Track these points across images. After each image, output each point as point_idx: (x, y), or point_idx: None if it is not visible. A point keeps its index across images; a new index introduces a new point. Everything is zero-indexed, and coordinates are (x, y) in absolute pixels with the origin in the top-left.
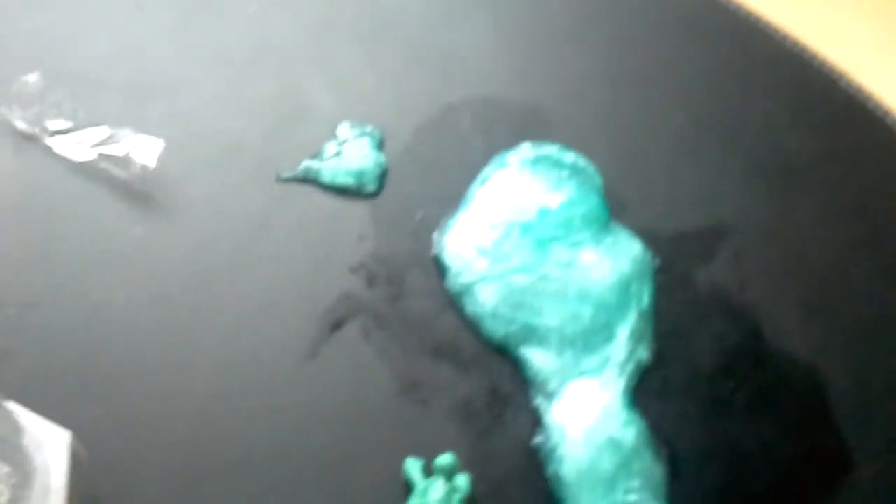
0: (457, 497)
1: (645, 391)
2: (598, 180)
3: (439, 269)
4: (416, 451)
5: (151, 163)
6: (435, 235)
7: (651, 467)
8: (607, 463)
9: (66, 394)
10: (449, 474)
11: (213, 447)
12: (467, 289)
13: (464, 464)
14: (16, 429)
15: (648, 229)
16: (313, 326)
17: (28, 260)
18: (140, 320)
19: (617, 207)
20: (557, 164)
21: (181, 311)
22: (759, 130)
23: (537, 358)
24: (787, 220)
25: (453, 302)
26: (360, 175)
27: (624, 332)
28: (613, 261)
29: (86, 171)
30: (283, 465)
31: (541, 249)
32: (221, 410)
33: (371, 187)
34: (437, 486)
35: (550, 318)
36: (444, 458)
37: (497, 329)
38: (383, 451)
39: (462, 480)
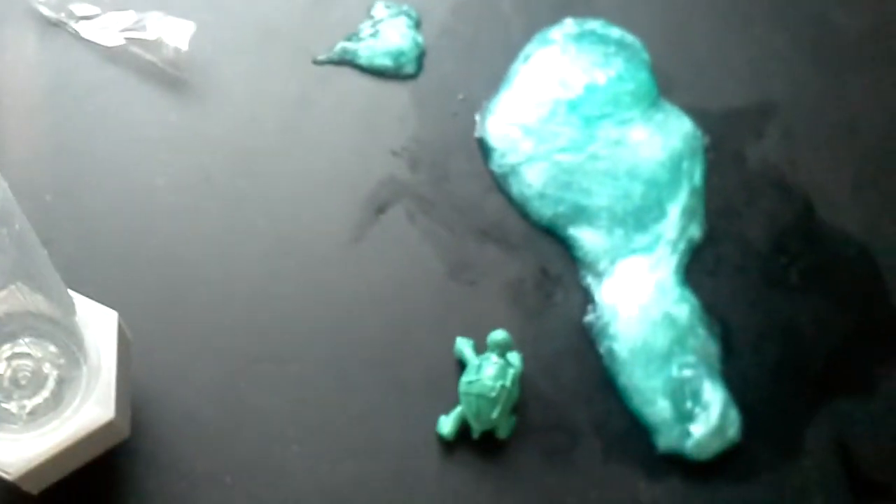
0: (511, 372)
1: (698, 269)
2: (645, 56)
3: (483, 150)
4: (467, 332)
5: (183, 46)
6: (478, 116)
7: (705, 344)
8: (661, 339)
9: (111, 278)
10: (503, 350)
11: (261, 331)
12: (513, 169)
13: (515, 343)
14: (68, 310)
15: (697, 107)
16: (358, 210)
17: (61, 148)
18: (180, 204)
19: (665, 84)
20: (603, 39)
21: (222, 195)
22: (808, 5)
23: (587, 237)
24: (838, 96)
25: (499, 184)
26: (398, 55)
27: (675, 209)
28: (664, 138)
29: (115, 56)
30: (334, 347)
31: (589, 127)
32: (268, 294)
33: (410, 68)
34: (491, 362)
35: (600, 197)
36: (498, 334)
37: (545, 209)
38: (434, 332)
39: (514, 358)
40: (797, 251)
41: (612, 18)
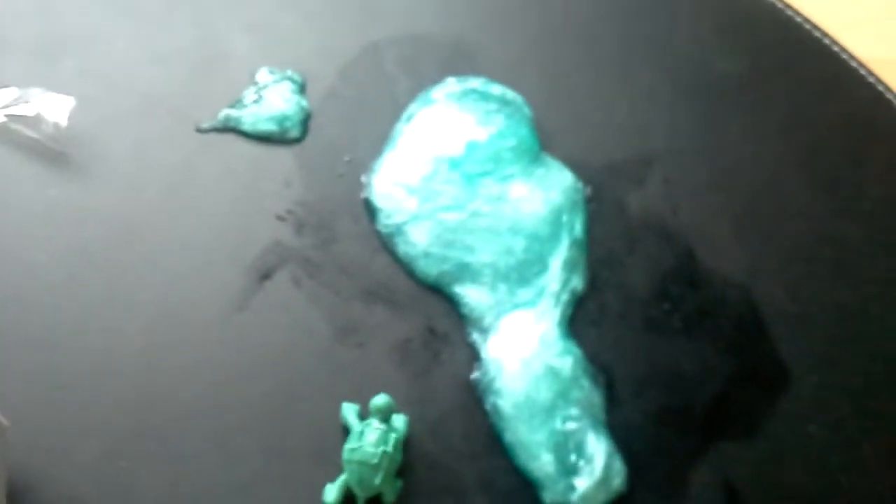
0: (393, 437)
1: (581, 319)
2: (527, 112)
3: (369, 211)
4: (355, 396)
5: (63, 121)
6: (364, 177)
7: (589, 395)
8: (545, 392)
9: None
10: (385, 415)
11: (145, 404)
12: (398, 229)
13: (402, 404)
14: None
15: (579, 159)
16: (242, 277)
17: None
18: (62, 280)
19: (547, 138)
20: (484, 96)
21: (105, 269)
22: (688, 53)
23: (472, 294)
24: (718, 142)
25: (385, 244)
26: (282, 120)
27: (557, 262)
28: (545, 192)
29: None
30: (218, 417)
31: (470, 185)
32: (149, 368)
33: (295, 132)
34: (373, 428)
35: (483, 253)
36: (379, 399)
37: (430, 268)
38: (320, 397)
39: (399, 421)
40: (679, 296)
41: (495, 76)
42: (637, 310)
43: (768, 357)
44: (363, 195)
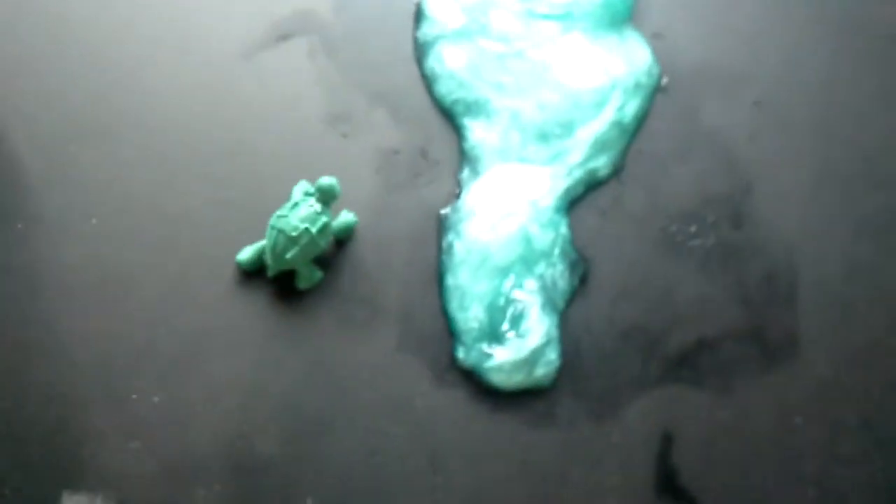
0: (323, 221)
1: (590, 204)
2: None
3: (416, 17)
4: (317, 177)
5: None
6: None
7: (558, 277)
8: (507, 252)
9: None
10: (325, 198)
11: (142, 120)
12: (434, 41)
13: (361, 207)
14: None
15: (670, 47)
16: (261, 28)
17: None
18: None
19: (647, 14)
20: None
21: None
22: None
23: (480, 131)
24: (832, 90)
25: (417, 54)
26: None
27: (586, 135)
28: (608, 59)
29: None
30: (196, 144)
31: (529, 22)
32: (149, 90)
33: None
34: (308, 205)
35: (510, 96)
36: (325, 180)
37: (449, 92)
38: (286, 168)
39: (345, 216)
40: (713, 225)
41: None
42: (658, 219)
43: (781, 330)
44: (417, 1)
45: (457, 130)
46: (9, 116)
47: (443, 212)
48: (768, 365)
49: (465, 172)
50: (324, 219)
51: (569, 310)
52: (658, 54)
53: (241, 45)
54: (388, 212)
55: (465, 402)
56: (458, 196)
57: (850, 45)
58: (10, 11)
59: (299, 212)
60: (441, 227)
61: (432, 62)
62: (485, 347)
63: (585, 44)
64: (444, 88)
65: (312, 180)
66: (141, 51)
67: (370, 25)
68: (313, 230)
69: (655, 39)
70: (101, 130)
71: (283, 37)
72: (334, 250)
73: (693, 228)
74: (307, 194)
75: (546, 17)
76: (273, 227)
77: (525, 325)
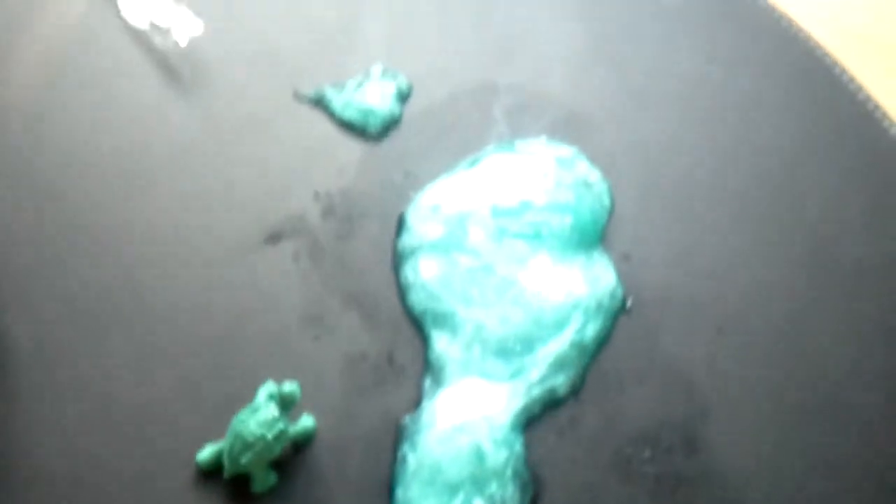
0: (279, 428)
1: (546, 424)
2: (605, 203)
3: (399, 226)
4: (288, 376)
5: (183, 42)
6: (412, 192)
7: (507, 499)
8: (459, 469)
9: None
10: (285, 404)
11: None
12: (412, 253)
13: (322, 412)
14: None
15: (638, 274)
16: (252, 228)
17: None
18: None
19: (617, 239)
20: (567, 166)
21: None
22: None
23: (443, 343)
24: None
25: (395, 263)
26: (367, 114)
27: (546, 354)
28: (573, 280)
29: (138, 34)
30: (176, 332)
31: (499, 239)
32: (137, 283)
33: (374, 130)
34: (268, 410)
35: (475, 310)
36: (287, 386)
37: (420, 302)
38: (253, 366)
39: (305, 421)
40: (667, 452)
41: (595, 155)
42: (613, 441)
43: None
44: (402, 210)
45: (424, 340)
46: (6, 293)
47: (402, 422)
48: None
49: (428, 382)
50: (280, 426)
51: None
52: (624, 276)
53: (233, 246)
54: (349, 417)
55: None
56: (418, 404)
57: (819, 280)
58: (31, 215)
59: (258, 417)
60: (398, 436)
61: (408, 271)
62: None
63: (551, 264)
64: (416, 297)
65: (280, 380)
66: (139, 248)
67: (355, 231)
68: (269, 436)
69: (623, 261)
70: (92, 318)
71: (273, 239)
72: (291, 454)
73: (647, 453)
74: (270, 397)
75: (516, 235)
76: (232, 431)
77: None
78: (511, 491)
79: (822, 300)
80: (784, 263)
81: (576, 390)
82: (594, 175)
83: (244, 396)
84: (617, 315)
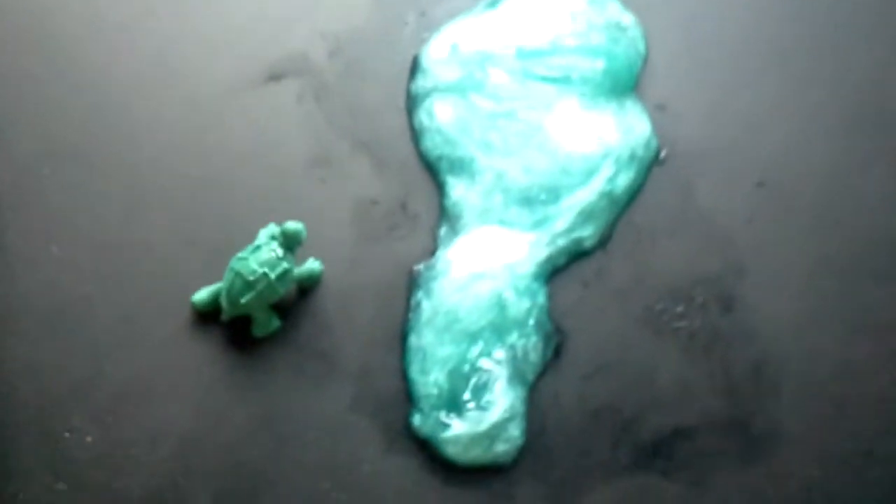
0: (283, 266)
1: (572, 274)
2: (640, 47)
3: (412, 68)
4: (293, 218)
5: None
6: (426, 34)
7: (529, 349)
8: (478, 318)
9: None
10: (289, 243)
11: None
12: (426, 94)
13: (331, 257)
14: None
15: (673, 123)
16: (253, 67)
17: None
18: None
19: (652, 87)
20: (598, 7)
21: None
22: (865, 92)
23: (461, 190)
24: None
25: (408, 105)
26: None
27: (572, 203)
28: (604, 127)
29: None
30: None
31: (524, 82)
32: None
33: None
34: (270, 249)
35: (496, 156)
36: (291, 225)
37: (435, 147)
38: (255, 211)
39: (311, 264)
40: (701, 307)
41: (631, 3)
42: (643, 295)
43: (765, 424)
44: (416, 52)
45: (439, 187)
46: None
47: (415, 268)
48: (748, 461)
49: (444, 230)
50: (285, 265)
51: (538, 383)
52: (658, 126)
53: (229, 83)
54: (358, 263)
55: (417, 472)
56: (433, 253)
57: (862, 131)
58: (14, 54)
59: (260, 255)
60: (412, 284)
61: (422, 115)
62: (442, 416)
63: (580, 110)
64: (431, 143)
65: (282, 223)
66: (127, 80)
67: (364, 73)
68: (272, 275)
69: (657, 111)
70: (77, 156)
71: (274, 77)
72: (296, 298)
73: (679, 308)
74: (272, 238)
75: (543, 79)
76: (231, 269)
77: (488, 396)
78: (534, 341)
79: (867, 155)
80: (827, 115)
81: (604, 242)
82: (627, 18)
83: (244, 240)
84: (650, 166)
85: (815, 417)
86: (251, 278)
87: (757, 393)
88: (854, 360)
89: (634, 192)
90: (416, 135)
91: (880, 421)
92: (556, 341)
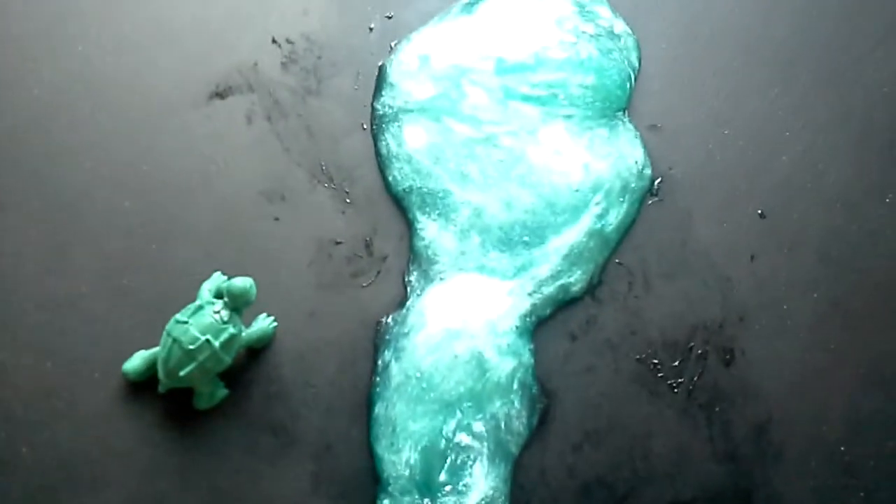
0: (229, 333)
1: (559, 327)
2: (633, 59)
3: (378, 81)
4: (239, 270)
5: None
6: (394, 43)
7: (513, 417)
8: (456, 383)
9: None
10: (236, 304)
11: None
12: (394, 115)
13: (287, 310)
14: None
15: (667, 147)
16: (195, 84)
17: None
18: None
19: (644, 105)
20: (589, 17)
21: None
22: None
23: (434, 230)
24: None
25: (373, 127)
26: None
27: (559, 245)
28: (592, 156)
29: None
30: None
31: (505, 103)
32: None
33: None
34: (212, 311)
35: (473, 190)
36: (239, 283)
37: (405, 178)
38: (204, 254)
39: (262, 323)
40: (700, 363)
41: (621, 8)
42: (636, 348)
43: (771, 495)
44: (381, 61)
45: (409, 224)
46: None
47: (383, 321)
48: None
49: (415, 276)
50: (231, 330)
51: (522, 456)
52: (652, 150)
53: (166, 101)
54: (317, 317)
55: None
56: (403, 303)
57: (876, 154)
58: None
59: (202, 319)
60: (379, 340)
61: (389, 139)
62: (415, 502)
63: (567, 136)
64: (399, 173)
65: (230, 272)
66: (44, 96)
67: (323, 88)
68: (216, 343)
69: (651, 132)
70: None
71: (219, 94)
72: (245, 361)
73: (676, 362)
74: (216, 296)
75: (526, 98)
76: (168, 335)
77: (467, 478)
78: (517, 408)
79: (881, 181)
80: (837, 136)
81: (593, 288)
82: (620, 25)
83: (184, 292)
84: (644, 198)
85: (822, 484)
86: (191, 347)
87: (760, 458)
88: (865, 417)
89: (626, 230)
90: (382, 162)
91: (893, 487)
92: (542, 406)
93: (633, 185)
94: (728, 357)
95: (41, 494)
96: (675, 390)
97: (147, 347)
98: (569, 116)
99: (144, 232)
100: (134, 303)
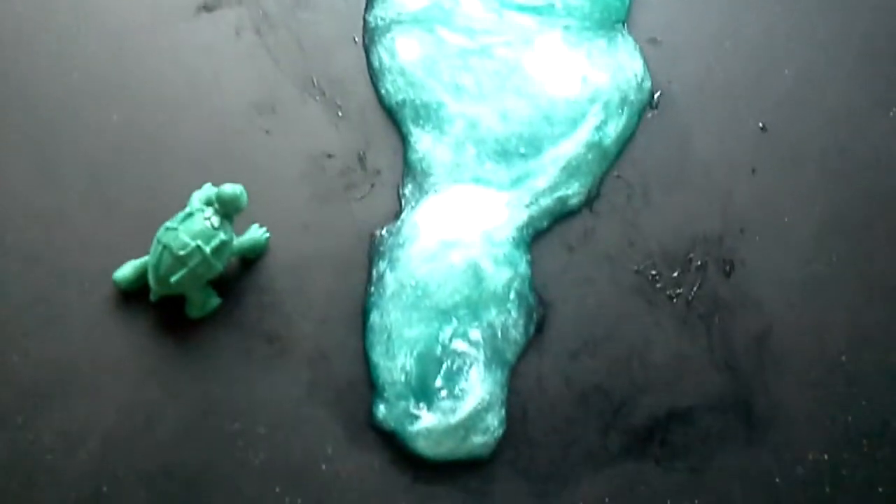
0: (220, 238)
1: (556, 238)
2: None
3: None
4: (232, 181)
5: None
6: None
7: (509, 326)
8: (452, 292)
9: None
10: (227, 210)
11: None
12: (387, 27)
13: (280, 222)
14: None
15: (668, 60)
16: None
17: None
18: None
19: (644, 17)
20: None
21: None
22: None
23: (429, 142)
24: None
25: (365, 40)
26: None
27: (556, 156)
28: (591, 67)
29: None
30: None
31: (501, 13)
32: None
33: None
34: (203, 217)
35: (468, 101)
36: (229, 189)
37: (398, 90)
38: (193, 166)
39: (255, 233)
40: (700, 272)
41: None
42: (634, 259)
43: (771, 403)
44: None
45: (403, 137)
46: None
47: (377, 233)
48: (752, 445)
49: (409, 188)
50: (221, 235)
51: (519, 364)
52: (652, 64)
53: (154, 14)
54: (311, 228)
55: (382, 470)
56: (397, 216)
57: (878, 70)
58: None
59: (192, 225)
60: (373, 252)
61: (382, 52)
62: (411, 406)
63: (565, 46)
64: (392, 85)
65: (220, 184)
66: (32, 12)
67: (312, 0)
68: (206, 249)
69: (650, 45)
70: None
71: (207, 7)
72: (238, 271)
73: (675, 273)
74: (206, 203)
75: (523, 8)
76: (158, 242)
77: (463, 383)
78: (514, 317)
79: (885, 93)
80: (840, 48)
81: (591, 200)
82: None
83: (174, 205)
84: (643, 111)
85: (823, 394)
86: (182, 253)
87: (760, 368)
88: (866, 329)
89: (625, 142)
90: (375, 75)
91: (895, 396)
92: (539, 315)
93: (632, 97)
94: (728, 268)
95: (34, 402)
96: (674, 301)
97: (137, 258)
98: (566, 27)
99: (133, 146)
100: (123, 215)
